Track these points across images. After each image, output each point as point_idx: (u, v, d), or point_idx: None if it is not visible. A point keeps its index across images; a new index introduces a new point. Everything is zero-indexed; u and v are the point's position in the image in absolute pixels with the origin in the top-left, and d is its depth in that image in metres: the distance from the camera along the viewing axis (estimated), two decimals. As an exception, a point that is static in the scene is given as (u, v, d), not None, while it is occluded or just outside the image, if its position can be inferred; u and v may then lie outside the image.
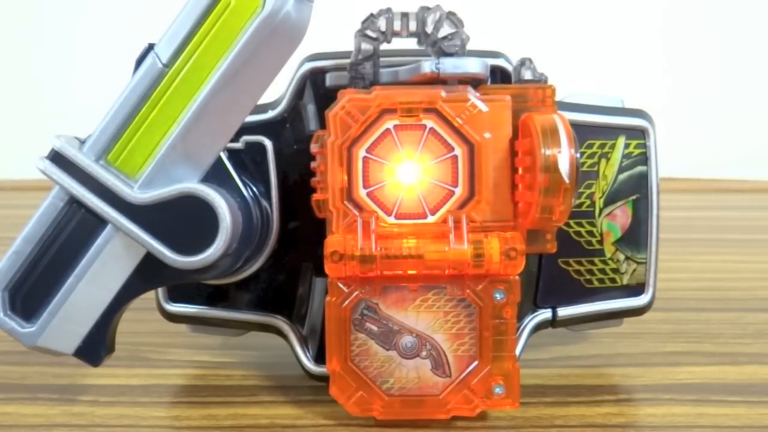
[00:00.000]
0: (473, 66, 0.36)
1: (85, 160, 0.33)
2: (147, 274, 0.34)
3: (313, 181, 0.37)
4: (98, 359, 0.35)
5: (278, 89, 0.39)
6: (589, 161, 0.40)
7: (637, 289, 0.42)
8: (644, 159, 0.41)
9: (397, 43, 0.37)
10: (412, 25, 0.36)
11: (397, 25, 0.37)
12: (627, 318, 0.42)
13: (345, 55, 0.38)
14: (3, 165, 1.06)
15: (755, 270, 0.64)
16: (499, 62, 0.39)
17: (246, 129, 0.38)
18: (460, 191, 0.35)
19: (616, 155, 0.41)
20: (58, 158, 0.33)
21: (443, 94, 0.35)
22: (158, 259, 0.33)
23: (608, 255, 0.41)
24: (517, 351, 0.39)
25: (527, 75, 0.37)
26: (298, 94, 0.40)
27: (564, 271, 0.41)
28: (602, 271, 0.41)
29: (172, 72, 0.33)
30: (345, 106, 0.35)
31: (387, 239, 0.35)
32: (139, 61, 0.33)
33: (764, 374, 0.42)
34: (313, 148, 0.36)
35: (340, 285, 0.35)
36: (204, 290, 0.41)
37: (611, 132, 0.41)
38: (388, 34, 0.37)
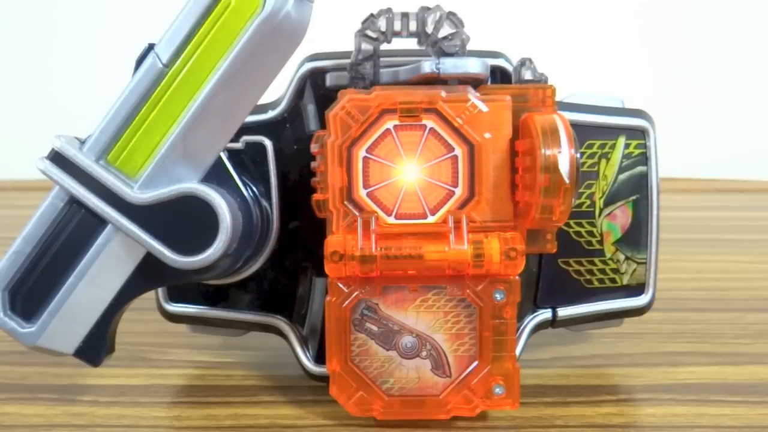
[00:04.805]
0: (473, 66, 0.36)
1: (85, 160, 0.33)
2: (147, 274, 0.34)
3: (313, 181, 0.37)
4: (98, 359, 0.35)
5: (278, 89, 0.39)
6: (589, 161, 0.40)
7: (637, 289, 0.42)
8: (644, 159, 0.41)
9: (397, 43, 0.37)
10: (413, 25, 0.36)
11: (397, 25, 0.37)
12: (627, 318, 0.42)
13: (345, 55, 0.38)
14: (3, 165, 1.06)
15: (755, 270, 0.64)
16: (499, 62, 0.39)
17: (246, 129, 0.38)
18: (460, 191, 0.35)
19: (616, 155, 0.41)
20: (58, 158, 0.33)
21: (443, 94, 0.35)
22: (158, 259, 0.33)
23: (608, 255, 0.41)
24: (517, 351, 0.39)
25: (527, 75, 0.37)
26: (298, 94, 0.40)
27: (564, 272, 0.41)
28: (602, 271, 0.41)
29: (172, 72, 0.33)
30: (345, 106, 0.35)
31: (387, 239, 0.35)
32: (139, 61, 0.33)
33: (764, 374, 0.42)
34: (313, 148, 0.36)
35: (340, 285, 0.35)
36: (204, 290, 0.41)
37: (611, 132, 0.41)
38: (388, 34, 0.37)
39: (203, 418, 0.38)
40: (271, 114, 0.40)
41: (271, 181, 0.39)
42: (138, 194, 0.33)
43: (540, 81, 0.37)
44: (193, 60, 0.33)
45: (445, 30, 0.36)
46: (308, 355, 0.40)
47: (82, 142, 0.34)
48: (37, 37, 1.16)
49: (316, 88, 0.39)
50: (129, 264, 0.34)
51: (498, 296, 0.35)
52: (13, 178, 1.04)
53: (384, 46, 0.37)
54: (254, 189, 0.38)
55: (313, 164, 0.37)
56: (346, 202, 0.35)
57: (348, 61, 0.37)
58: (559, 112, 0.35)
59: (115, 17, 1.13)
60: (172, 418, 0.38)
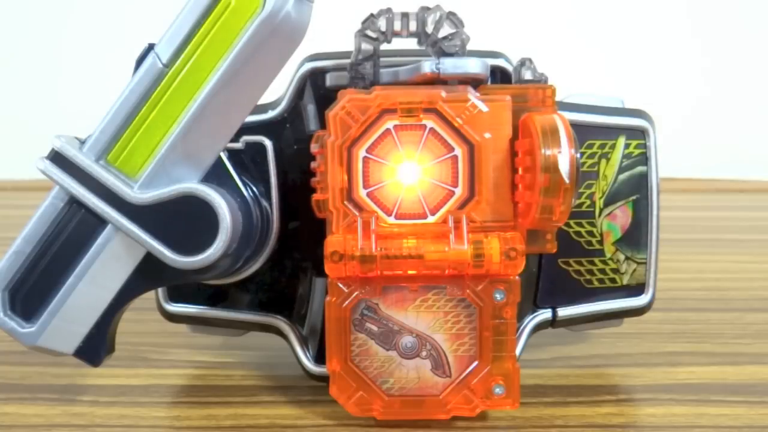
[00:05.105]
0: (473, 66, 0.36)
1: (85, 160, 0.33)
2: (147, 274, 0.34)
3: (313, 181, 0.37)
4: (98, 359, 0.35)
5: (278, 89, 0.39)
6: (590, 161, 0.40)
7: (637, 289, 0.42)
8: (644, 159, 0.41)
9: (397, 43, 0.37)
10: (413, 25, 0.36)
11: (397, 25, 0.37)
12: (627, 318, 0.42)
13: (345, 55, 0.38)
14: (3, 165, 1.06)
15: (755, 270, 0.64)
16: (499, 62, 0.39)
17: (246, 129, 0.38)
18: (460, 191, 0.35)
19: (616, 155, 0.41)
20: (58, 158, 0.33)
21: (443, 94, 0.35)
22: (158, 259, 0.33)
23: (608, 255, 0.41)
24: (517, 351, 0.39)
25: (527, 75, 0.37)
26: (298, 94, 0.40)
27: (564, 271, 0.41)
28: (602, 271, 0.41)
29: (172, 72, 0.33)
30: (345, 106, 0.35)
31: (387, 239, 0.35)
32: (140, 61, 0.33)
33: (764, 374, 0.42)
34: (313, 148, 0.36)
35: (340, 285, 0.35)
36: (204, 290, 0.41)
37: (611, 132, 0.41)
38: (388, 34, 0.37)
39: (203, 418, 0.38)
40: (271, 114, 0.40)
41: (271, 181, 0.39)
42: (138, 194, 0.33)
43: (540, 81, 0.37)
44: (193, 60, 0.33)
45: (445, 30, 0.36)
46: (308, 355, 0.40)
47: (82, 142, 0.34)
48: (36, 37, 1.16)
49: (316, 88, 0.39)
50: (129, 264, 0.34)
51: (498, 296, 0.35)
52: (13, 178, 1.04)
53: (384, 46, 0.37)
54: (254, 189, 0.38)
55: (313, 164, 0.37)
56: (346, 202, 0.35)
57: (348, 61, 0.37)
58: (559, 112, 0.35)
59: (114, 17, 1.13)
60: (172, 418, 0.38)
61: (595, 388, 0.40)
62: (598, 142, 0.40)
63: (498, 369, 0.35)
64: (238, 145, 0.39)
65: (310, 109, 0.40)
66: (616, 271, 0.41)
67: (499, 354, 0.35)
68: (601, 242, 0.41)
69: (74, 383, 0.41)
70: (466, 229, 0.35)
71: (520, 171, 0.35)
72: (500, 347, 0.35)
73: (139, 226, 0.33)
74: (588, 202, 0.41)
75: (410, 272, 0.35)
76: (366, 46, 0.37)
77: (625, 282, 0.41)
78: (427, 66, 0.36)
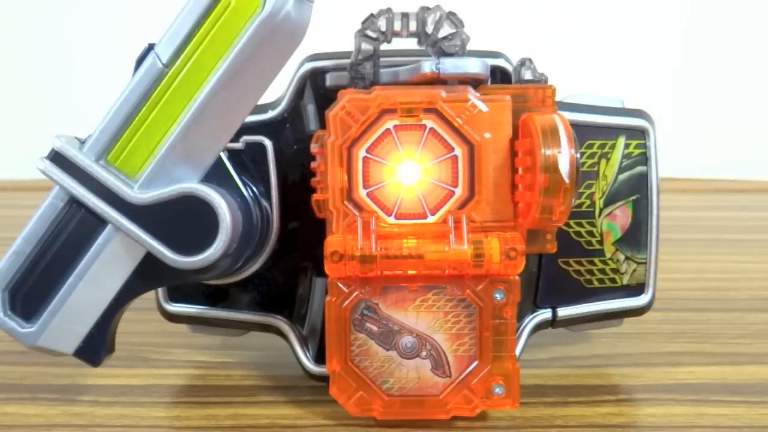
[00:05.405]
0: (473, 66, 0.36)
1: (85, 160, 0.33)
2: (147, 274, 0.34)
3: (313, 181, 0.37)
4: (98, 359, 0.35)
5: (278, 89, 0.39)
6: (589, 161, 0.40)
7: (637, 289, 0.42)
8: (644, 159, 0.41)
9: (397, 43, 0.37)
10: (413, 25, 0.36)
11: (397, 25, 0.37)
12: (627, 318, 0.42)
13: (345, 55, 0.38)
14: (3, 165, 1.06)
15: (755, 270, 0.64)
16: (499, 62, 0.39)
17: (246, 129, 0.38)
18: (460, 191, 0.35)
19: (616, 155, 0.41)
20: (58, 158, 0.33)
21: (443, 94, 0.35)
22: (158, 259, 0.33)
23: (608, 255, 0.41)
24: (517, 351, 0.39)
25: (527, 75, 0.37)
26: (298, 94, 0.40)
27: (564, 272, 0.41)
28: (602, 271, 0.41)
29: (172, 72, 0.33)
30: (345, 106, 0.35)
31: (387, 239, 0.35)
32: (140, 61, 0.33)
33: (764, 374, 0.42)
34: (313, 148, 0.36)
35: (340, 285, 0.35)
36: (204, 290, 0.41)
37: (611, 132, 0.41)
38: (388, 34, 0.37)
39: (203, 418, 0.38)
40: (271, 114, 0.40)
41: (271, 181, 0.39)
42: (138, 194, 0.33)
43: (540, 81, 0.37)
44: (193, 60, 0.33)
45: (445, 30, 0.36)
46: (308, 355, 0.40)
47: (82, 142, 0.34)
48: (36, 37, 1.16)
49: (316, 88, 0.39)
50: (129, 264, 0.34)
51: (498, 296, 0.35)
52: (13, 178, 1.04)
53: (384, 46, 0.37)
54: (254, 189, 0.38)
55: (313, 164, 0.37)
56: (346, 202, 0.35)
57: (348, 61, 0.37)
58: (559, 112, 0.35)
59: (114, 17, 1.13)
60: (172, 418, 0.38)
61: (595, 388, 0.40)
62: (598, 142, 0.40)
63: (498, 369, 0.35)
64: (238, 145, 0.39)
65: (310, 109, 0.40)
66: (616, 271, 0.41)
67: (499, 354, 0.35)
68: (601, 242, 0.41)
69: (74, 383, 0.41)
70: (466, 229, 0.35)
71: (520, 171, 0.35)
72: (500, 347, 0.35)
73: (139, 226, 0.33)
74: (588, 202, 0.41)
75: (410, 272, 0.35)
76: (366, 46, 0.37)
77: (625, 282, 0.41)
78: (427, 66, 0.36)
